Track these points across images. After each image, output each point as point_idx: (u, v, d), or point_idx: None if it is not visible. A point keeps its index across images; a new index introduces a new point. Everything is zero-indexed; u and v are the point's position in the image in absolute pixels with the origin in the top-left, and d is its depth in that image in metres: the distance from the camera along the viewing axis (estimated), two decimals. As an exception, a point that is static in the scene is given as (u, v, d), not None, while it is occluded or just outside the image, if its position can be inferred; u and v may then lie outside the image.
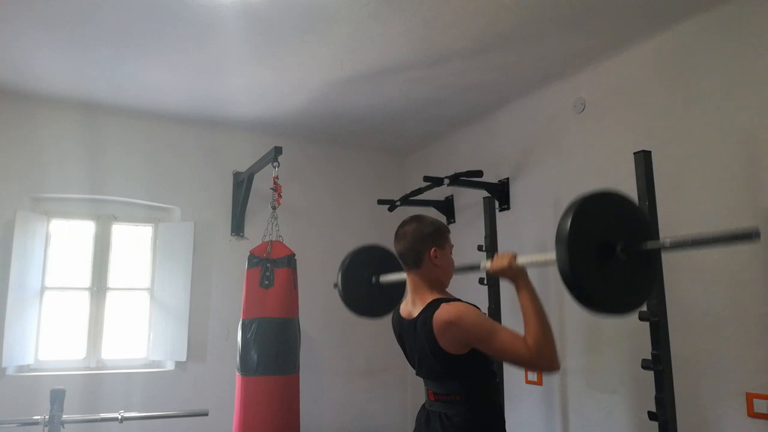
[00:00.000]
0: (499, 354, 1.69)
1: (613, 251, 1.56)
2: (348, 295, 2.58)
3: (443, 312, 1.75)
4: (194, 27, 2.75)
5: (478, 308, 1.80)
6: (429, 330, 1.77)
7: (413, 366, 1.98)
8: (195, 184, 4.16)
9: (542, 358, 1.63)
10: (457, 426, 1.78)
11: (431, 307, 1.80)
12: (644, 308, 2.16)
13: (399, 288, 2.55)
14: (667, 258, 2.25)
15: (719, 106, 2.52)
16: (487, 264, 1.88)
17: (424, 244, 1.88)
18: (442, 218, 4.34)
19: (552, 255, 1.55)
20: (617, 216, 1.62)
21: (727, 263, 2.42)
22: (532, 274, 1.82)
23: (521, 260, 1.77)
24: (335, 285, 2.65)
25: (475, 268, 1.97)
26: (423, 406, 1.95)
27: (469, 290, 3.44)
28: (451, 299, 1.84)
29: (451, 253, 1.97)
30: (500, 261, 1.79)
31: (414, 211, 4.43)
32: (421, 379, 1.95)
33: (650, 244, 1.60)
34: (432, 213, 4.34)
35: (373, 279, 2.58)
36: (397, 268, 2.65)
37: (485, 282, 3.25)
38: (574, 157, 3.25)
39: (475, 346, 1.73)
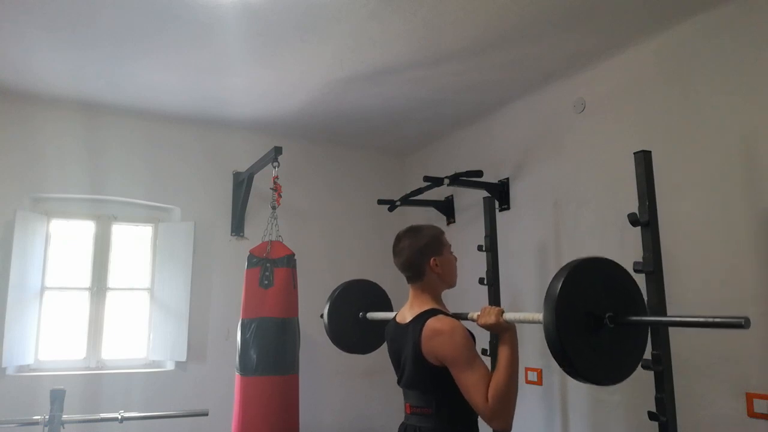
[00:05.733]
0: (460, 386, 1.71)
1: (602, 321, 1.56)
2: (334, 329, 2.59)
3: (435, 321, 1.78)
4: (194, 27, 2.75)
5: (473, 336, 1.81)
6: (418, 334, 1.79)
7: (396, 372, 2.00)
8: (195, 184, 4.16)
9: (494, 415, 1.65)
10: None
11: (427, 314, 1.82)
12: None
13: (384, 325, 2.55)
14: (667, 258, 2.25)
15: (719, 106, 2.52)
16: (474, 315, 1.90)
17: (423, 258, 1.91)
18: (442, 218, 4.34)
19: (539, 315, 1.56)
20: (607, 284, 1.62)
21: (727, 263, 2.42)
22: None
23: (508, 316, 1.78)
24: (321, 316, 2.65)
25: (462, 317, 1.98)
26: (402, 422, 1.96)
27: (469, 290, 3.45)
28: (448, 314, 1.87)
29: (450, 253, 1.99)
30: (487, 316, 1.80)
31: (414, 211, 4.44)
32: (402, 392, 1.96)
33: (638, 318, 1.60)
34: (432, 213, 4.34)
35: (360, 314, 2.58)
36: (385, 305, 2.64)
37: (485, 282, 3.25)
38: (574, 157, 3.25)
39: (447, 365, 1.74)
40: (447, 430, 1.80)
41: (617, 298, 1.61)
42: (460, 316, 1.97)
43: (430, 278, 1.93)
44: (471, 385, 1.68)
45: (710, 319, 1.45)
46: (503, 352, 1.73)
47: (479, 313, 1.85)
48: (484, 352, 3.10)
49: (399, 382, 1.97)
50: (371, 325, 2.55)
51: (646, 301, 1.79)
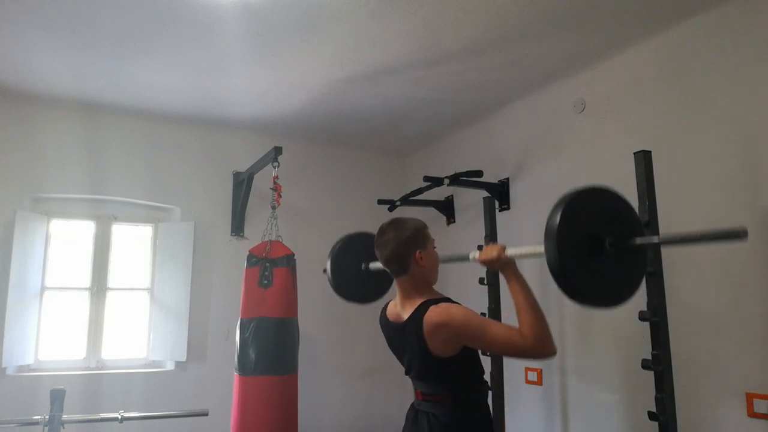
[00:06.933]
0: (493, 347, 1.71)
1: (602, 246, 1.57)
2: (337, 281, 2.59)
3: (432, 315, 1.75)
4: (194, 27, 2.75)
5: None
6: (419, 334, 1.77)
7: (402, 365, 1.98)
8: (195, 184, 4.16)
9: (538, 345, 1.62)
10: (444, 426, 1.79)
11: (420, 311, 1.79)
12: (644, 308, 2.16)
13: (388, 275, 2.56)
14: (667, 258, 2.25)
15: (719, 106, 2.52)
16: (476, 254, 1.88)
17: (407, 250, 1.86)
18: (442, 218, 4.34)
19: (541, 247, 1.56)
20: (607, 211, 1.63)
21: (727, 263, 2.42)
22: (532, 278, 1.82)
23: (510, 252, 1.78)
24: (324, 270, 2.65)
25: (464, 258, 1.98)
26: (412, 405, 1.96)
27: (469, 290, 3.45)
28: (439, 299, 1.83)
29: (434, 248, 1.95)
30: (489, 252, 1.79)
31: (414, 211, 4.43)
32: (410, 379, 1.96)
33: (638, 240, 1.62)
34: (432, 213, 4.34)
35: (363, 266, 2.58)
36: None
37: (485, 282, 3.25)
38: (574, 157, 3.25)
39: (468, 345, 1.73)
40: (459, 416, 1.80)
41: (617, 224, 1.63)
42: (461, 258, 1.95)
43: (415, 272, 1.87)
44: (500, 336, 1.67)
45: (708, 234, 1.46)
46: (515, 288, 1.73)
47: (479, 252, 1.84)
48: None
49: (407, 374, 1.96)
50: (374, 276, 2.55)
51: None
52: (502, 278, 3.19)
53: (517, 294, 1.71)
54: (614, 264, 1.59)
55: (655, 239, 1.63)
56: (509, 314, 3.06)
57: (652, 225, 2.15)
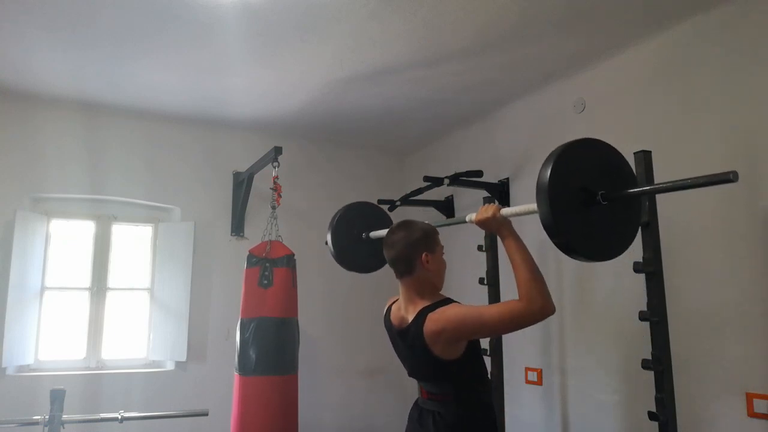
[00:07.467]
0: (496, 328, 1.72)
1: (594, 198, 1.57)
2: (339, 250, 2.60)
3: (430, 324, 1.76)
4: (194, 27, 2.75)
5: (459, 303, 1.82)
6: (421, 340, 1.78)
7: (406, 368, 1.99)
8: (195, 184, 4.16)
9: (535, 304, 1.62)
10: (450, 424, 1.79)
11: (421, 316, 1.80)
12: (644, 308, 2.16)
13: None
14: (667, 258, 2.25)
15: (719, 107, 2.52)
16: (472, 216, 1.90)
17: (415, 251, 1.87)
18: (442, 218, 4.34)
19: (534, 205, 1.57)
20: (599, 164, 1.64)
21: (728, 263, 2.42)
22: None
23: (505, 211, 1.81)
24: (326, 242, 2.67)
25: (461, 221, 2.01)
26: (416, 403, 1.97)
27: (469, 290, 3.45)
28: (437, 302, 1.83)
29: (442, 254, 1.96)
30: (485, 212, 1.81)
31: (414, 211, 4.43)
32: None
33: (630, 191, 1.62)
34: (432, 213, 4.34)
35: (364, 235, 2.59)
36: (387, 222, 2.69)
37: (485, 282, 3.25)
38: (574, 157, 3.24)
39: (473, 338, 1.75)
40: (464, 415, 1.80)
41: (609, 176, 1.63)
42: (458, 220, 2.00)
43: (420, 274, 1.88)
44: (496, 314, 1.68)
45: (699, 180, 1.45)
46: (511, 247, 1.73)
47: (475, 213, 1.86)
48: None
49: (410, 375, 1.97)
50: (375, 244, 2.55)
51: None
52: (501, 278, 3.21)
53: (513, 252, 1.72)
54: (607, 216, 1.59)
55: (646, 188, 1.65)
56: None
57: (652, 225, 2.15)
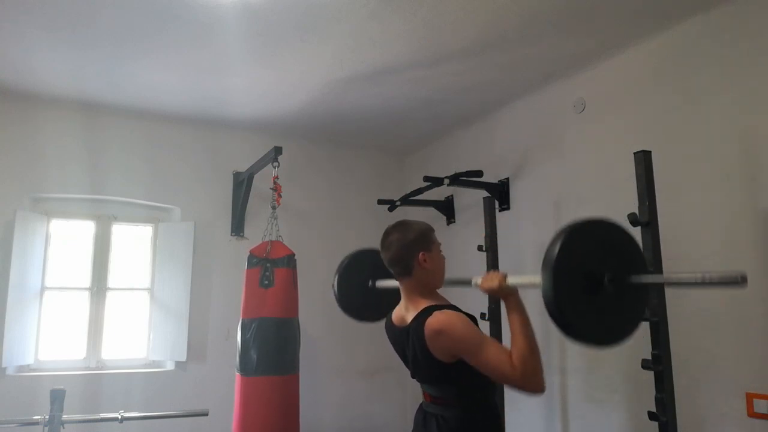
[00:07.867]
0: (483, 368, 1.68)
1: (601, 282, 1.51)
2: (344, 299, 2.58)
3: (434, 320, 1.75)
4: (194, 27, 2.75)
5: (473, 318, 1.79)
6: (421, 338, 1.77)
7: (408, 368, 1.98)
8: (195, 184, 4.16)
9: (526, 379, 1.61)
10: (453, 428, 1.79)
11: (423, 315, 1.79)
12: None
13: (395, 293, 2.55)
14: (667, 258, 2.25)
15: (719, 106, 2.52)
16: (478, 281, 1.88)
17: (411, 252, 1.86)
18: (442, 218, 4.34)
19: (538, 278, 1.52)
20: (609, 244, 1.58)
21: (728, 263, 2.42)
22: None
23: (511, 280, 1.77)
24: (332, 286, 2.65)
25: (466, 283, 1.97)
26: (420, 407, 1.96)
27: (469, 290, 3.44)
28: (443, 306, 1.83)
29: (439, 251, 1.95)
30: (491, 280, 1.79)
31: (414, 211, 4.43)
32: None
33: (638, 278, 1.56)
34: (432, 213, 4.34)
35: (369, 283, 2.57)
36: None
37: (485, 282, 3.24)
38: (573, 157, 3.25)
39: (462, 357, 1.72)
40: (468, 418, 1.80)
41: (617, 258, 1.57)
42: (464, 282, 1.94)
43: (419, 274, 1.87)
44: (492, 360, 1.65)
45: (707, 277, 1.43)
46: (514, 317, 1.71)
47: (482, 278, 1.83)
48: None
49: (413, 377, 1.96)
50: (381, 293, 2.54)
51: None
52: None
53: (514, 323, 1.70)
54: (613, 301, 1.53)
55: (659, 278, 1.58)
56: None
57: (652, 225, 2.15)
